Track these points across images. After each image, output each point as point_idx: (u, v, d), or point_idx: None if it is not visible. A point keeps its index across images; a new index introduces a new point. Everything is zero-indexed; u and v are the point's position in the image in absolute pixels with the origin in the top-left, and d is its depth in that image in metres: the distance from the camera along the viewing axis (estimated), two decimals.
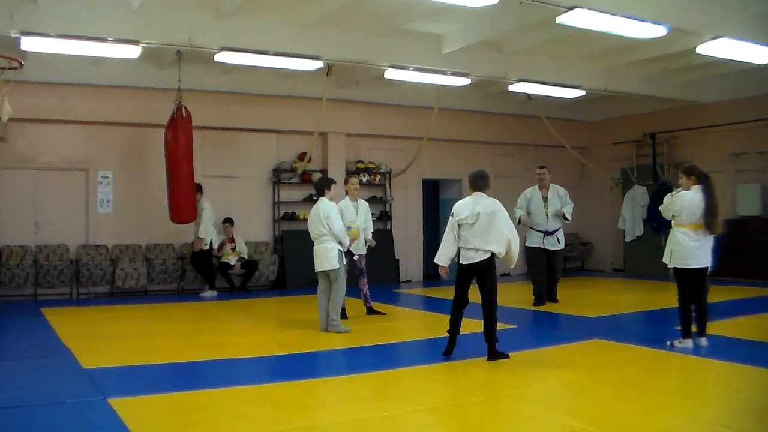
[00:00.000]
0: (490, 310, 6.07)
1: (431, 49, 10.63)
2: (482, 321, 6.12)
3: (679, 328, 6.69)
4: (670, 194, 6.92)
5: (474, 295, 6.19)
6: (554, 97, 13.00)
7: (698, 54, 9.95)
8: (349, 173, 13.12)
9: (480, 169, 6.43)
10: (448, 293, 6.17)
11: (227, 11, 9.01)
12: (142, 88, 11.32)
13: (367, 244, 8.82)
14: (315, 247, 7.69)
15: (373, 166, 13.72)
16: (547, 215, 9.94)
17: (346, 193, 8.87)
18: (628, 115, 15.02)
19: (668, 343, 6.67)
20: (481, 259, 6.02)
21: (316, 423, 4.51)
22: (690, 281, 6.59)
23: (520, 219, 9.89)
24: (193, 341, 7.32)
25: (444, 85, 11.92)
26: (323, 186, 7.89)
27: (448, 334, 6.19)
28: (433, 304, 10.50)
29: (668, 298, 8.85)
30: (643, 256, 14.10)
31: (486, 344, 6.10)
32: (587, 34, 9.14)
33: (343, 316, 8.18)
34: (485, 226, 6.00)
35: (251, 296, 11.51)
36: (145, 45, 9.04)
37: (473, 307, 6.24)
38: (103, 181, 11.59)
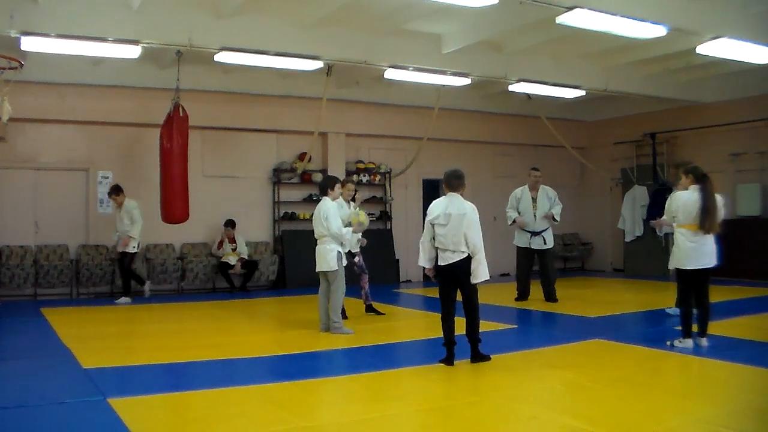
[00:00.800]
0: (471, 312, 6.02)
1: (431, 49, 10.63)
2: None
3: (680, 327, 6.69)
4: (669, 196, 6.93)
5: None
6: (554, 97, 12.99)
7: (698, 54, 9.94)
8: (349, 173, 13.14)
9: (454, 168, 6.32)
10: None
11: (227, 11, 9.01)
12: (142, 88, 11.32)
13: (359, 243, 8.80)
14: (316, 247, 7.68)
15: (373, 166, 13.72)
16: (535, 216, 10.11)
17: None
18: (628, 115, 15.02)
19: (668, 343, 6.66)
20: (459, 260, 5.93)
21: (316, 423, 4.51)
22: (692, 282, 6.58)
23: (514, 221, 10.06)
24: (193, 341, 7.32)
25: (444, 85, 11.92)
26: (327, 185, 7.83)
27: (445, 347, 6.03)
28: (433, 304, 10.41)
29: (668, 298, 8.87)
30: (643, 256, 14.11)
31: (470, 345, 6.02)
32: (587, 34, 9.14)
33: (344, 316, 8.18)
34: (456, 226, 5.91)
35: (251, 296, 11.52)
36: (145, 45, 9.03)
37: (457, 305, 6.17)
38: (103, 181, 11.58)
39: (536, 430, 4.36)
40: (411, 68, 10.79)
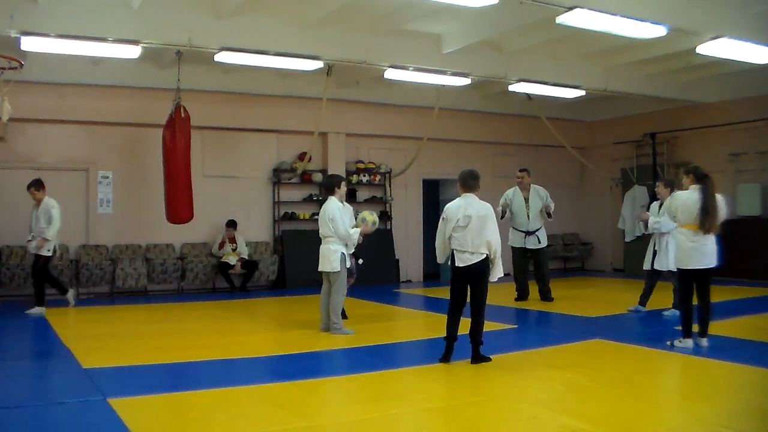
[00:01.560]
0: (479, 313, 6.01)
1: (431, 49, 10.62)
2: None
3: (680, 327, 6.69)
4: (669, 196, 6.93)
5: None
6: (554, 97, 12.99)
7: (698, 54, 9.93)
8: (349, 173, 13.14)
9: (470, 168, 6.29)
10: (448, 293, 6.15)
11: (227, 11, 9.01)
12: (142, 88, 11.32)
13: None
14: (321, 247, 7.65)
15: (373, 166, 13.72)
16: (528, 215, 10.11)
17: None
18: (628, 115, 15.02)
19: (668, 343, 6.67)
20: (477, 261, 5.94)
21: (316, 423, 4.51)
22: (693, 282, 6.58)
23: (503, 212, 9.88)
24: (193, 341, 7.32)
25: (444, 85, 11.92)
26: (333, 184, 7.76)
27: (445, 341, 6.04)
28: (433, 304, 10.49)
29: (668, 298, 8.88)
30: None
31: (471, 346, 6.01)
32: (587, 34, 9.13)
33: (344, 316, 8.18)
34: (477, 229, 5.90)
35: (251, 296, 11.51)
36: (145, 45, 9.03)
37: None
38: (103, 181, 11.59)
39: (536, 430, 4.36)
40: (411, 68, 10.79)
